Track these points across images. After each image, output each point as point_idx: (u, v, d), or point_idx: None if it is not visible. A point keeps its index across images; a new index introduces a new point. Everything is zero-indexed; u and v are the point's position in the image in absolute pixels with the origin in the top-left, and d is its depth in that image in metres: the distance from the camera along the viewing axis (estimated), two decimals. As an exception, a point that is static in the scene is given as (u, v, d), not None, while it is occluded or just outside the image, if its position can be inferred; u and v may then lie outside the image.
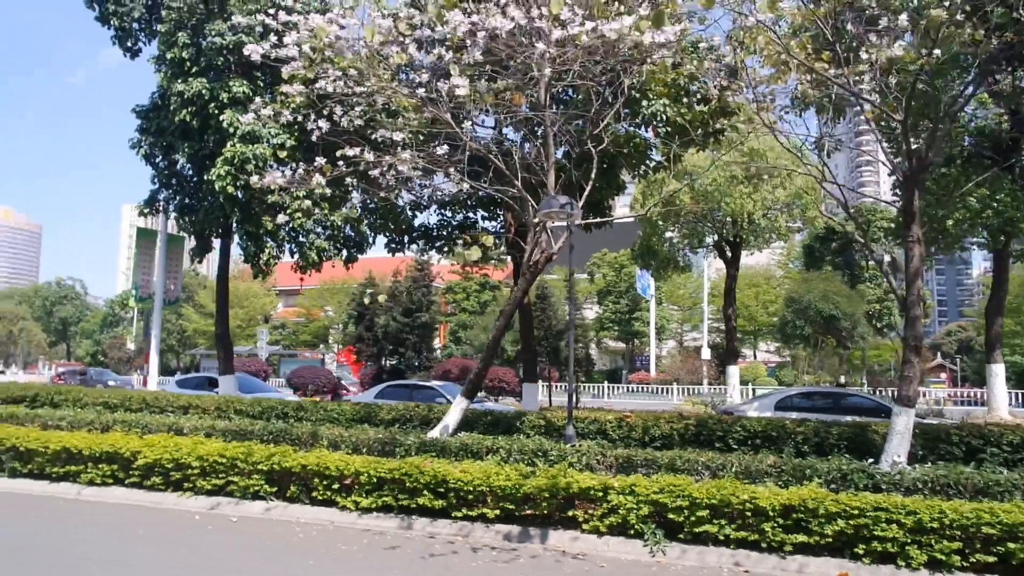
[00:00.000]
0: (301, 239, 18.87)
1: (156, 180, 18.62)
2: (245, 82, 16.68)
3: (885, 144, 8.41)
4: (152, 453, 10.06)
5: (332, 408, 12.67)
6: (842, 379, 51.06)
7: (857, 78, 8.11)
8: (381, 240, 24.42)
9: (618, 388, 44.04)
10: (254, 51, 8.68)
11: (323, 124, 8.73)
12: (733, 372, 24.71)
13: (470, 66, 8.89)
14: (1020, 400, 31.23)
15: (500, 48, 9.23)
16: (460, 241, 11.90)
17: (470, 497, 8.43)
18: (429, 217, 17.27)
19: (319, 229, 18.96)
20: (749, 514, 7.39)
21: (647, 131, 11.48)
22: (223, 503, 9.60)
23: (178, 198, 18.77)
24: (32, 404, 14.51)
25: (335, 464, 9.05)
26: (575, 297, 9.74)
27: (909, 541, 6.85)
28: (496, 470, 8.43)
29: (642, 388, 44.50)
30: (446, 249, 17.64)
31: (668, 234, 25.47)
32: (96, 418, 11.58)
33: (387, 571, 7.10)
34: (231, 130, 16.23)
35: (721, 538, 7.47)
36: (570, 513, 8.10)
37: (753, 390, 37.36)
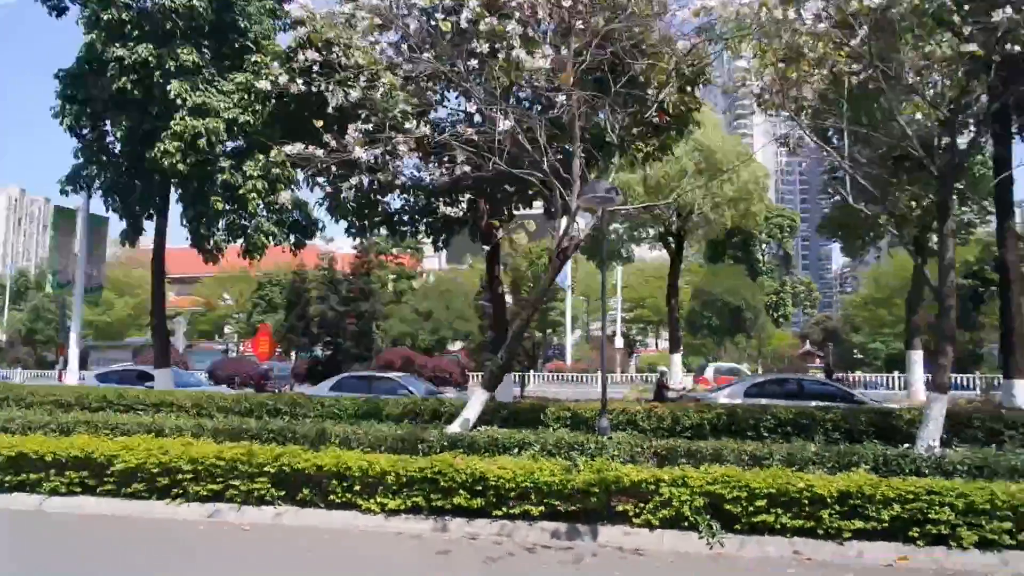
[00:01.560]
0: (244, 222, 17.68)
1: (81, 154, 16.79)
2: (194, 50, 15.30)
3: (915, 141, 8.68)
4: (133, 457, 8.99)
5: (330, 403, 11.81)
6: (745, 366, 53.74)
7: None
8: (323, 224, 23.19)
9: (536, 376, 44.19)
10: (294, 7, 7.80)
11: (355, 94, 7.97)
12: (676, 360, 25.38)
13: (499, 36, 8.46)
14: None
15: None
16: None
17: (511, 495, 8.04)
18: (392, 202, 16.53)
19: (265, 212, 17.83)
20: (806, 502, 7.43)
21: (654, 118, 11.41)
22: (223, 510, 8.71)
23: (105, 175, 17.01)
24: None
25: (357, 464, 8.39)
26: (606, 288, 9.53)
27: (960, 523, 7.09)
28: (538, 465, 8.08)
29: (559, 376, 44.90)
30: (409, 234, 16.97)
31: (613, 225, 25.78)
32: (52, 419, 10.23)
33: (455, 577, 6.64)
34: (179, 102, 14.86)
35: (777, 527, 7.48)
36: (617, 507, 7.88)
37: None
